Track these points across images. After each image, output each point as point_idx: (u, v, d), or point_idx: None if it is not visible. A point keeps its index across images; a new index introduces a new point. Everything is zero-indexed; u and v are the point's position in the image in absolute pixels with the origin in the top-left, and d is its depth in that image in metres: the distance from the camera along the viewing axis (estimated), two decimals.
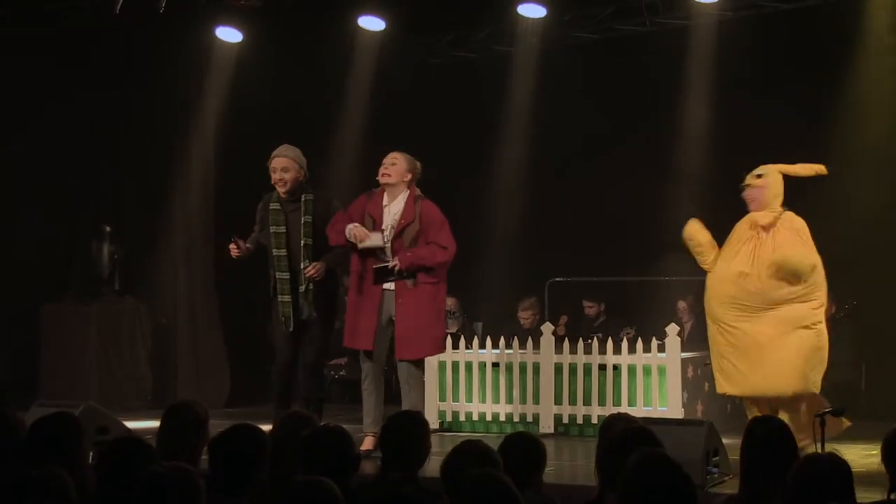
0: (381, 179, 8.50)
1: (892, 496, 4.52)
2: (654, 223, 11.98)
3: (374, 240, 8.41)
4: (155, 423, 5.49)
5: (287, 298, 8.62)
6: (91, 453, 5.46)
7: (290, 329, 8.64)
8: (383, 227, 8.46)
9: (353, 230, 8.39)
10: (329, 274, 8.67)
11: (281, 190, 8.72)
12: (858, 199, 11.00)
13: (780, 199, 8.28)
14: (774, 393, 8.15)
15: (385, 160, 8.55)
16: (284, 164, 8.71)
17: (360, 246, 8.41)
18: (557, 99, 12.67)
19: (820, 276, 8.20)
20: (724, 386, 8.36)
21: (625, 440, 4.68)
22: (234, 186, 12.31)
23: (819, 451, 6.38)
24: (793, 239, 8.15)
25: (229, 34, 12.15)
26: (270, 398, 9.05)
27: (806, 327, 8.15)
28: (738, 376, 8.19)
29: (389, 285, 8.44)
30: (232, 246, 8.80)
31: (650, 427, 5.38)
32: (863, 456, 8.33)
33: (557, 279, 12.00)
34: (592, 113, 12.53)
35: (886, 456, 4.56)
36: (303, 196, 8.68)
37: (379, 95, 12.82)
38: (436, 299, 8.49)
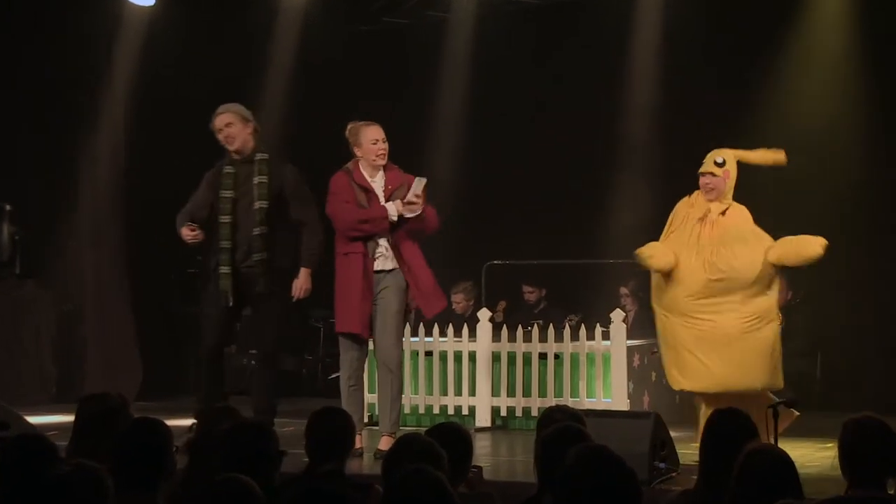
0: (381, 161, 8.56)
1: (849, 493, 4.58)
2: (599, 203, 12.05)
3: (415, 186, 8.46)
4: (59, 419, 5.48)
5: (227, 270, 8.50)
6: None
7: (230, 304, 8.51)
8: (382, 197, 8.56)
9: (402, 206, 8.44)
10: (283, 251, 8.61)
11: (230, 149, 8.59)
12: (812, 181, 11.12)
13: (733, 187, 8.35)
14: (745, 388, 8.18)
15: (378, 138, 8.57)
16: (227, 120, 8.61)
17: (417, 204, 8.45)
18: (494, 69, 12.68)
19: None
20: (681, 382, 8.31)
21: (561, 434, 4.74)
22: (146, 162, 12.24)
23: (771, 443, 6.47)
24: (745, 222, 8.23)
25: None
26: (192, 388, 8.94)
27: (772, 321, 8.25)
28: (703, 371, 8.14)
29: (379, 265, 8.51)
30: (187, 231, 8.54)
31: (592, 419, 5.43)
32: (818, 449, 8.46)
33: (495, 262, 12.01)
34: (531, 85, 12.55)
35: (843, 449, 4.62)
36: (256, 156, 8.61)
37: (303, 64, 12.78)
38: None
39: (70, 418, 5.52)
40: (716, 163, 8.24)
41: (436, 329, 10.25)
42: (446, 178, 12.89)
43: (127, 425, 4.86)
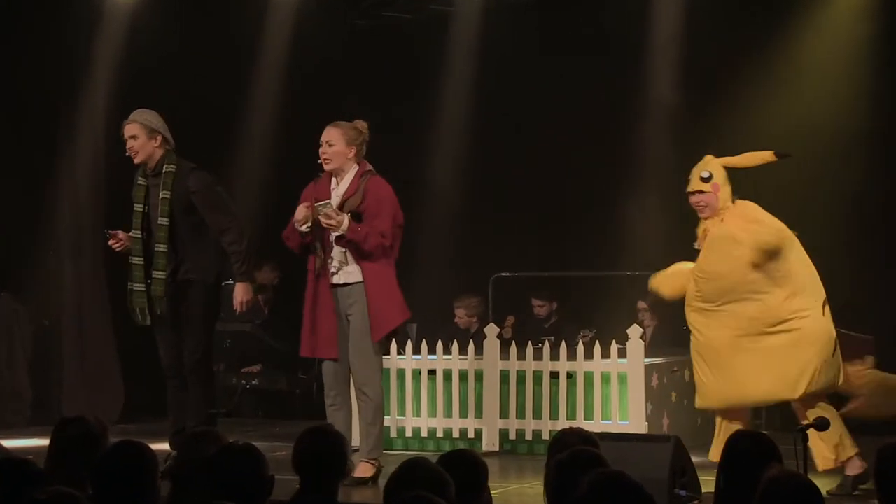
0: (326, 166, 8.58)
1: None
2: (614, 210, 12.02)
3: (318, 210, 8.39)
4: (35, 442, 5.48)
5: (140, 287, 8.73)
6: None
7: (146, 323, 8.79)
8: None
9: (296, 216, 8.43)
10: (212, 263, 8.74)
11: (135, 162, 8.80)
12: (841, 185, 11.13)
13: (730, 195, 8.33)
14: (750, 401, 8.29)
15: (323, 140, 8.57)
16: (132, 132, 8.77)
17: (304, 224, 8.39)
18: (501, 66, 12.66)
19: (790, 261, 8.20)
20: (696, 399, 8.51)
21: (576, 459, 4.73)
22: (129, 168, 12.21)
23: (798, 469, 6.47)
24: (744, 225, 8.29)
25: None
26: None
27: (778, 325, 8.17)
28: (703, 387, 8.30)
29: (338, 279, 8.52)
30: (111, 241, 8.82)
31: (608, 443, 5.42)
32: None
33: (503, 274, 12.02)
34: (540, 85, 12.53)
35: (877, 476, 4.60)
36: (164, 168, 8.73)
37: (298, 61, 12.78)
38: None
39: (46, 442, 5.52)
40: (702, 178, 8.24)
41: (439, 346, 10.24)
42: (450, 183, 12.90)
43: (106, 451, 4.85)
